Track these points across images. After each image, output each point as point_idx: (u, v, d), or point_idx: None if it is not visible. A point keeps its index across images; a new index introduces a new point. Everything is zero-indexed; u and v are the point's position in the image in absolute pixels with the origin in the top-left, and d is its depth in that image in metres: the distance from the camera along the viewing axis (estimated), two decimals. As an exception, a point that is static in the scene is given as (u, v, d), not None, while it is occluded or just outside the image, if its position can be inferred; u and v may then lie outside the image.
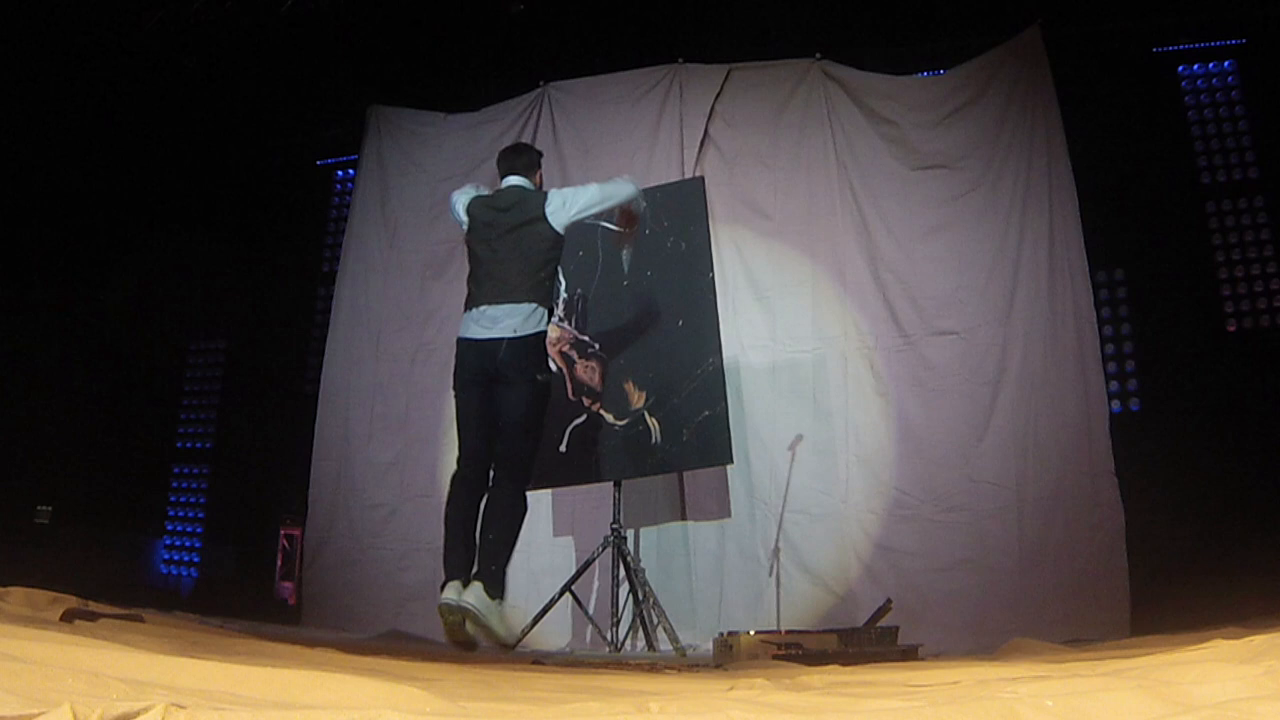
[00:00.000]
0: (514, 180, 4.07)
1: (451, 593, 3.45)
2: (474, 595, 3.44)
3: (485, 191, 4.16)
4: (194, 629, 3.61)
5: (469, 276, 3.97)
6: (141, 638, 2.67)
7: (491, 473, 3.76)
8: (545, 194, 3.97)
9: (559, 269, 4.17)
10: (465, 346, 3.82)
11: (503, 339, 3.74)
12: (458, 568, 3.54)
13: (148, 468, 7.54)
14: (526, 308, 3.79)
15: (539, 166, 4.20)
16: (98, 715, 1.14)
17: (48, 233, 6.90)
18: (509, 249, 3.87)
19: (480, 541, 3.57)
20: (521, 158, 4.18)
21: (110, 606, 3.44)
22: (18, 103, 6.28)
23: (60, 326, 6.84)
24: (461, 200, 4.10)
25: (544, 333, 3.85)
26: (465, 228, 4.04)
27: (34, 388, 6.51)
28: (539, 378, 3.80)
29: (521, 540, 4.00)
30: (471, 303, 3.88)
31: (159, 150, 7.35)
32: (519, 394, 3.74)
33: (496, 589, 3.50)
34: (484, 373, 3.78)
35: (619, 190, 4.09)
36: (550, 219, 3.89)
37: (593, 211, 4.03)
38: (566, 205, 3.92)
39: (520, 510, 3.69)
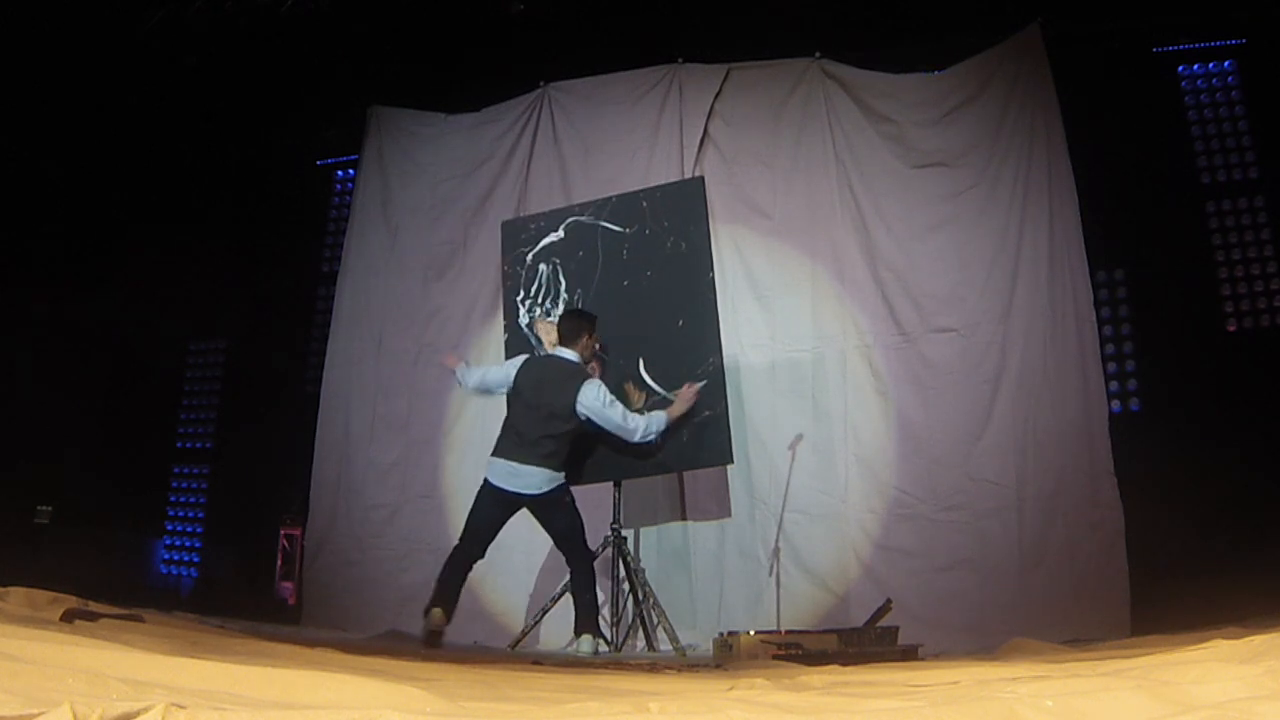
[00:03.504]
0: (564, 353, 4.72)
1: (586, 647, 4.47)
2: (588, 645, 4.47)
3: (541, 354, 4.97)
4: (194, 629, 3.61)
5: (504, 422, 4.65)
6: (141, 638, 2.67)
7: (565, 559, 4.69)
8: (584, 382, 4.57)
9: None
10: (491, 488, 4.53)
11: (525, 494, 4.51)
12: (437, 602, 4.42)
13: (148, 468, 7.55)
14: (546, 472, 4.50)
15: (593, 334, 4.81)
16: (98, 715, 1.14)
17: (48, 232, 6.90)
18: (536, 419, 4.52)
19: (578, 603, 4.59)
20: (580, 329, 4.78)
21: (110, 606, 3.43)
22: (18, 103, 6.28)
23: (60, 326, 6.84)
24: (515, 365, 4.76)
25: (565, 485, 4.61)
26: (510, 388, 4.68)
27: (34, 388, 6.51)
28: (567, 499, 4.62)
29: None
30: (500, 453, 4.55)
31: (159, 150, 7.35)
32: (555, 512, 4.59)
33: (599, 634, 4.62)
34: (509, 506, 4.56)
35: (633, 428, 4.61)
36: (577, 406, 4.52)
37: (605, 429, 4.62)
38: (593, 409, 4.54)
39: (593, 582, 4.67)
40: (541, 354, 5.03)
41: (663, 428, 4.70)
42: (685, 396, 4.75)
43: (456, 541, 4.62)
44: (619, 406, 4.63)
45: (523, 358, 4.88)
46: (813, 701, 1.70)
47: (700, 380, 4.79)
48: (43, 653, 1.74)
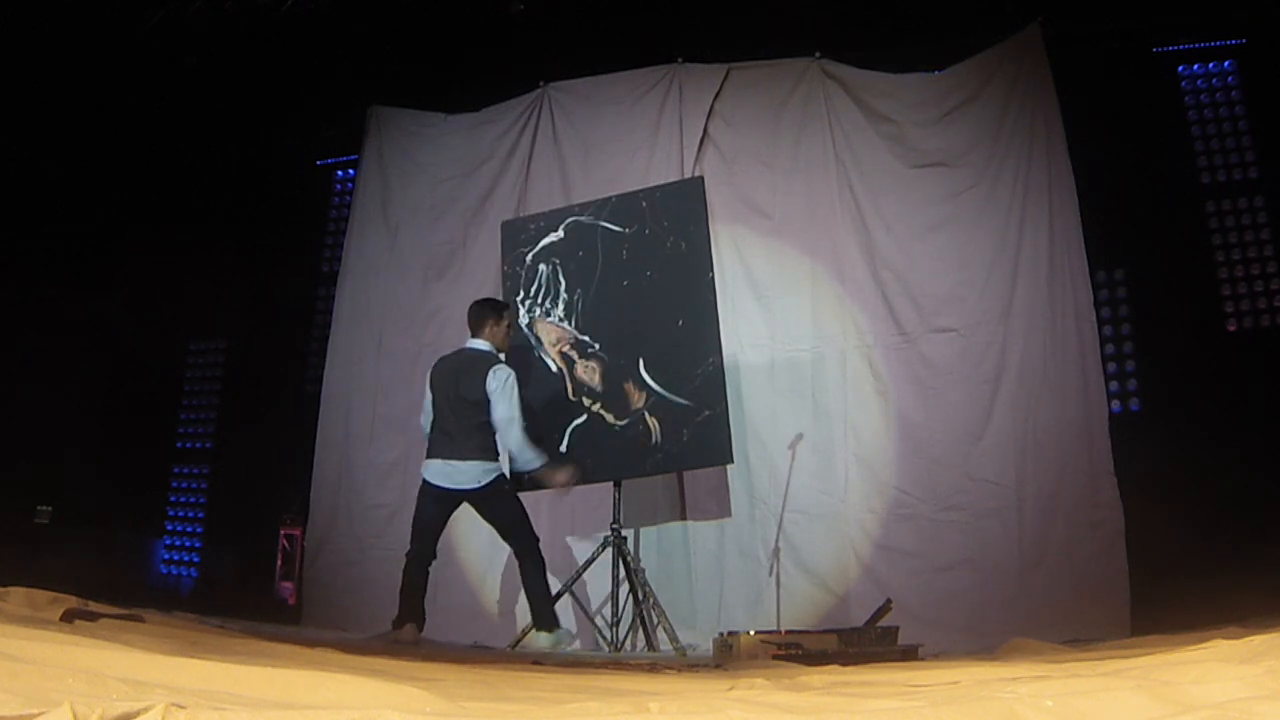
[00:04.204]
0: (474, 343, 4.71)
1: (545, 643, 4.50)
2: (546, 641, 4.50)
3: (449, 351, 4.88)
4: (194, 629, 3.61)
5: (431, 423, 4.66)
6: (141, 638, 2.67)
7: (513, 555, 4.70)
8: (492, 366, 4.54)
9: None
10: (431, 488, 4.56)
11: (464, 489, 4.52)
12: (407, 617, 4.46)
13: (148, 468, 7.55)
14: (481, 465, 4.51)
15: (501, 320, 4.80)
16: (98, 715, 1.14)
17: (48, 232, 6.90)
18: (458, 413, 4.53)
19: (530, 600, 4.58)
20: (484, 316, 4.76)
21: (110, 606, 3.43)
22: (18, 103, 6.28)
23: (60, 327, 6.84)
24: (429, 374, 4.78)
25: (503, 475, 4.62)
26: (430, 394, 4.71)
27: (34, 387, 6.51)
28: (505, 488, 4.62)
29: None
30: (433, 453, 4.58)
31: (159, 150, 7.35)
32: (496, 504, 4.59)
33: (557, 625, 4.58)
34: (449, 503, 4.58)
35: (511, 434, 4.53)
36: (487, 388, 4.50)
37: (494, 415, 4.53)
38: (493, 391, 4.49)
39: (544, 570, 4.65)
40: (451, 351, 4.98)
41: (531, 468, 4.67)
42: (559, 478, 4.75)
43: (407, 548, 4.62)
44: (514, 403, 4.52)
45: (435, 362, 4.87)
46: (813, 701, 1.70)
47: (573, 467, 4.83)
48: (43, 653, 1.73)
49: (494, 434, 4.56)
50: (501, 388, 4.50)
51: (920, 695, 1.87)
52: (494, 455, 4.57)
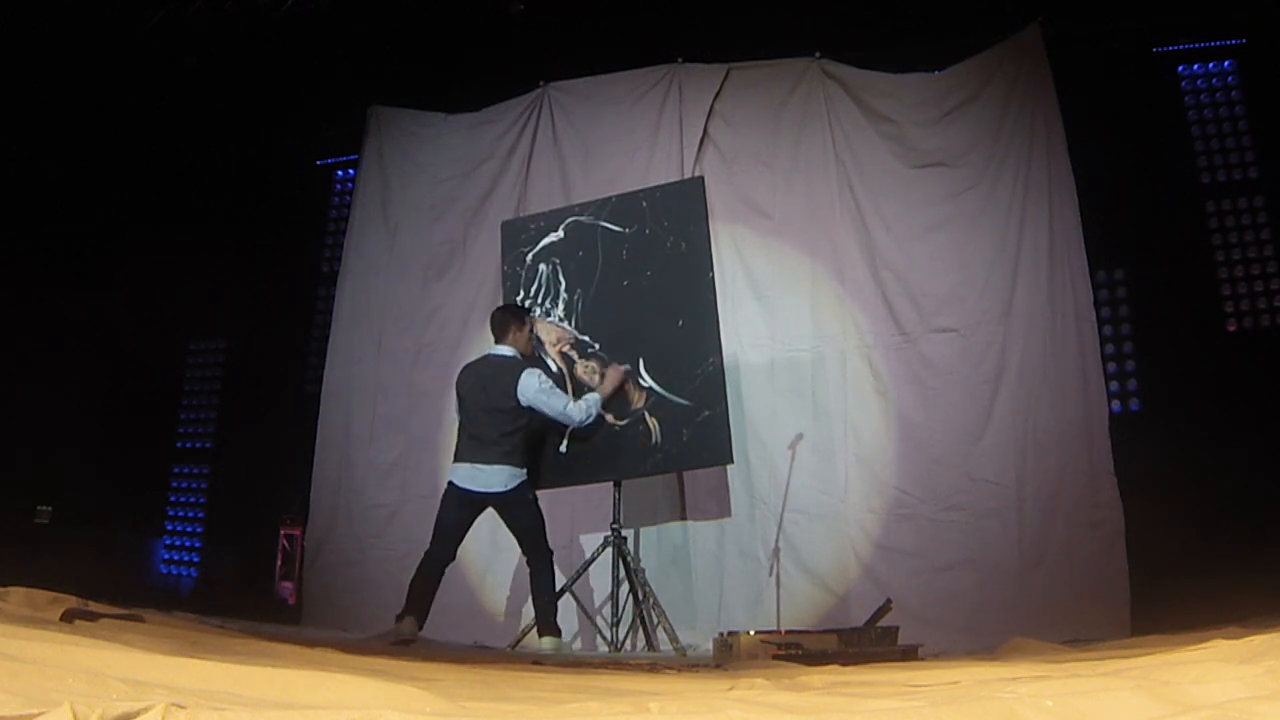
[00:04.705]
0: (499, 349, 4.78)
1: (548, 647, 4.51)
2: (549, 645, 4.53)
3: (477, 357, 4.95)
4: (194, 629, 3.61)
5: (459, 428, 4.74)
6: (141, 638, 2.67)
7: (525, 558, 4.76)
8: (521, 372, 4.62)
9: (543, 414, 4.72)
10: (456, 491, 4.61)
11: (490, 493, 4.58)
12: (410, 610, 4.48)
13: (148, 468, 7.55)
14: (508, 470, 4.58)
15: (524, 326, 4.88)
16: (98, 715, 1.14)
17: (48, 232, 6.91)
18: (488, 419, 4.59)
19: (536, 605, 4.68)
20: (506, 323, 4.84)
21: (110, 606, 3.43)
22: (18, 103, 6.28)
23: (60, 327, 6.84)
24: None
25: (527, 482, 4.69)
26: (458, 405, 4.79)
27: (34, 387, 6.51)
28: (529, 496, 4.70)
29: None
30: (461, 457, 4.65)
31: (159, 150, 7.35)
32: (519, 510, 4.66)
33: (556, 631, 4.62)
34: (474, 507, 4.63)
35: (573, 415, 4.71)
36: (519, 396, 4.58)
37: (547, 416, 4.69)
38: (534, 399, 4.60)
39: (553, 581, 4.73)
40: (477, 356, 5.05)
41: (599, 407, 4.84)
42: (611, 377, 4.91)
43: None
44: (558, 394, 4.73)
45: (461, 367, 4.95)
46: (813, 701, 1.70)
47: (625, 365, 4.95)
48: (43, 653, 1.73)
49: (522, 441, 4.64)
50: (538, 390, 4.61)
51: (920, 695, 1.87)
52: (520, 461, 4.64)
